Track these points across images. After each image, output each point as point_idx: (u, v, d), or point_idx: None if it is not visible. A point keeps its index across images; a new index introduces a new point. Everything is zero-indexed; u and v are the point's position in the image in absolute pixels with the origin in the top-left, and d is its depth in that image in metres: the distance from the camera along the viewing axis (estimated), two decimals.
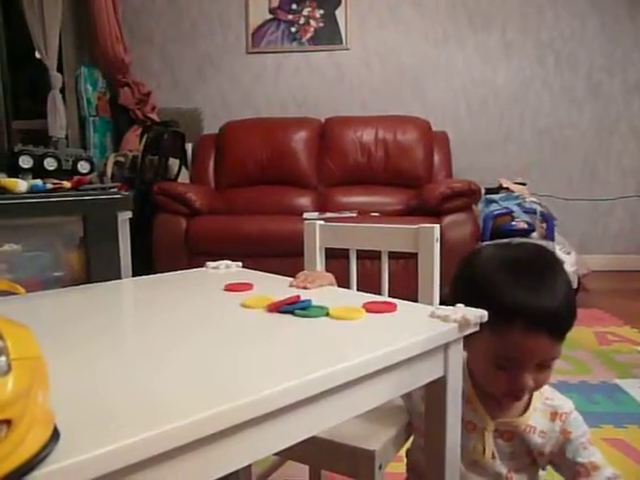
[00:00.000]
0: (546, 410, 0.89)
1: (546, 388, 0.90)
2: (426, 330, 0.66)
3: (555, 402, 0.90)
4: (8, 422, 0.33)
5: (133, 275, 1.67)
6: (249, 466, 1.09)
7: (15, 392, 0.34)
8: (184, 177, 3.61)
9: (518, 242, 0.92)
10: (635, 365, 2.10)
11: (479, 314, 0.70)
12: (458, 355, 0.71)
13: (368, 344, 0.61)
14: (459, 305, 0.72)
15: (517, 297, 0.80)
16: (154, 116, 3.80)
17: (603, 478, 0.83)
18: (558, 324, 0.81)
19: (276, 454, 0.61)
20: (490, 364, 0.83)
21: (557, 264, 0.87)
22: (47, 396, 0.37)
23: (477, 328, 0.70)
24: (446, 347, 0.68)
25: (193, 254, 2.98)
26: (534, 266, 0.85)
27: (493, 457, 0.88)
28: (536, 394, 0.89)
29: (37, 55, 3.71)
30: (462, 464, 0.89)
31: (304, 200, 3.48)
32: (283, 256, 2.56)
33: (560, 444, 0.87)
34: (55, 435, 0.36)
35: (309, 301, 0.77)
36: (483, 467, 0.87)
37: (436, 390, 0.71)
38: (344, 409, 0.58)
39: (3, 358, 0.35)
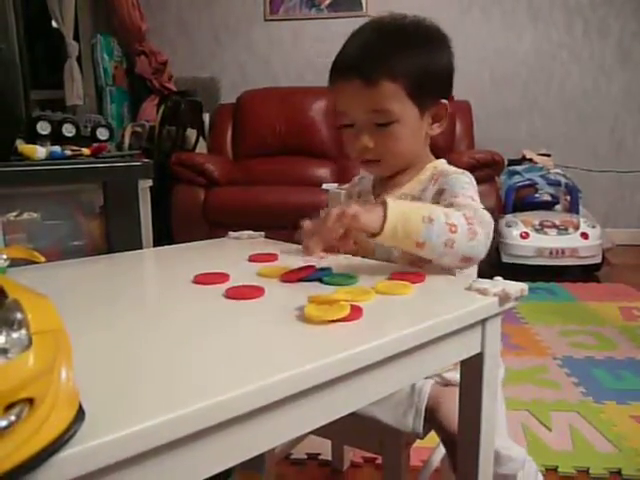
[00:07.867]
0: (427, 178, 0.91)
1: (443, 164, 0.94)
2: (465, 304, 0.62)
3: (440, 167, 0.92)
4: (30, 401, 0.30)
5: (154, 246, 1.65)
6: None
7: (37, 368, 0.31)
8: (202, 147, 3.57)
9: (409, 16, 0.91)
10: None
11: (519, 287, 0.66)
12: (496, 330, 0.67)
13: (410, 318, 0.58)
14: (497, 278, 0.69)
15: (342, 52, 0.88)
16: (171, 86, 3.75)
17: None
18: (364, 66, 0.83)
19: None
20: (341, 128, 0.92)
21: (420, 34, 0.91)
22: (71, 372, 0.34)
23: (516, 303, 0.67)
24: (484, 322, 0.65)
25: (212, 225, 2.96)
26: (387, 29, 0.88)
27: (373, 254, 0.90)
28: (427, 169, 0.91)
29: (53, 24, 3.66)
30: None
31: (323, 171, 3.43)
32: None
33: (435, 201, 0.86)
34: (80, 414, 0.33)
35: (329, 269, 0.74)
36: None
37: (472, 366, 0.67)
38: (379, 387, 0.55)
39: (23, 331, 0.32)
